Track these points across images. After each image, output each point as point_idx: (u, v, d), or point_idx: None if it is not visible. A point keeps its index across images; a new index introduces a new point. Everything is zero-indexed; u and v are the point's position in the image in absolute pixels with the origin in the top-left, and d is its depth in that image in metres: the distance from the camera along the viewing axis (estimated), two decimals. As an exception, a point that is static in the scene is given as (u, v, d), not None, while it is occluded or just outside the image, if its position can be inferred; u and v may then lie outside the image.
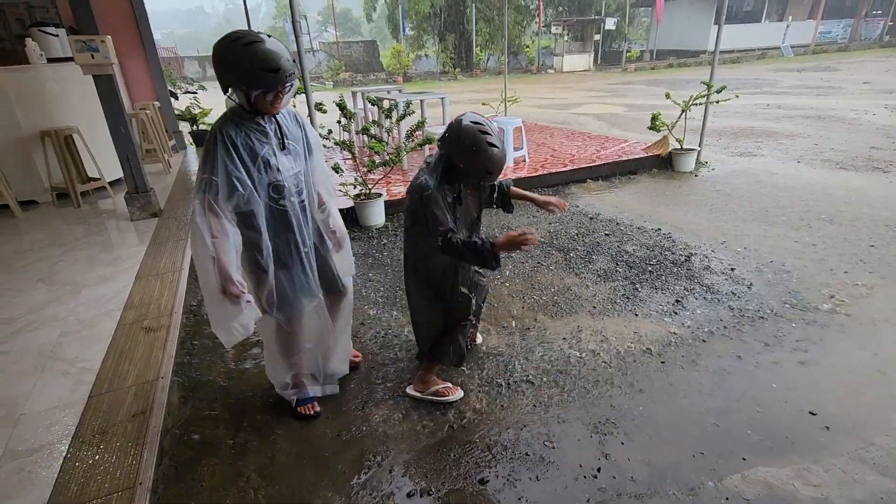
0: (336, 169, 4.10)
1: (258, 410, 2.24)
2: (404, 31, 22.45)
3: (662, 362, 2.47)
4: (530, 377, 2.40)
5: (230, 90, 1.68)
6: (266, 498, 1.80)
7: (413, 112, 4.35)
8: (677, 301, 3.01)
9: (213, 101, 9.96)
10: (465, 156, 1.84)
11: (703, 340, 2.63)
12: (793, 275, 3.27)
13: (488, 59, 24.90)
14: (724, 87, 5.40)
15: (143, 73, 7.29)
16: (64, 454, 1.94)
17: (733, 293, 3.08)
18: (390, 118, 4.39)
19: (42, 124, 4.92)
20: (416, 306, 2.18)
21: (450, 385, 2.29)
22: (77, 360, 2.55)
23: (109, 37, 4.06)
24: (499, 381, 2.38)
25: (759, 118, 8.77)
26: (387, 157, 4.18)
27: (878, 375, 2.33)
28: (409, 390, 2.30)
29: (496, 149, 1.83)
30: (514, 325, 2.85)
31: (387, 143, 4.42)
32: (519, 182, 5.20)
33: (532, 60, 23.79)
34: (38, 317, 2.98)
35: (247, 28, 5.09)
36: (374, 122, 4.51)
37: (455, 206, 1.98)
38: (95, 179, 5.31)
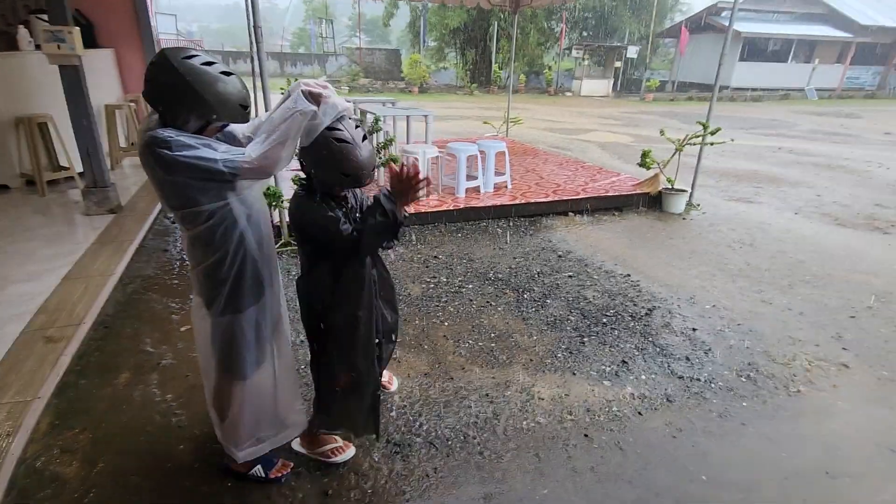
0: (294, 181, 3.94)
1: (121, 451, 2.02)
2: (425, 42, 22.49)
3: (586, 435, 2.22)
4: (435, 438, 2.16)
5: (176, 114, 1.44)
6: (87, 561, 1.59)
7: (380, 129, 4.16)
8: (623, 362, 2.76)
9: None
10: (315, 161, 1.61)
11: (639, 413, 2.37)
12: (758, 343, 2.99)
13: (508, 77, 24.83)
14: (718, 129, 5.14)
15: (139, 64, 7.24)
16: None
17: (687, 358, 2.81)
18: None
19: (18, 110, 4.84)
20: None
21: (340, 444, 2.05)
22: (-41, 368, 2.38)
23: (78, 29, 3.98)
24: (399, 439, 2.15)
25: (767, 161, 8.45)
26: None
27: (824, 478, 2.05)
28: (295, 445, 2.07)
29: (347, 145, 1.56)
30: (438, 371, 2.62)
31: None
32: (497, 209, 4.98)
33: (550, 82, 23.62)
34: (-56, 314, 2.83)
35: (251, 22, 4.78)
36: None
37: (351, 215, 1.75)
38: (66, 169, 5.21)
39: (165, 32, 30.85)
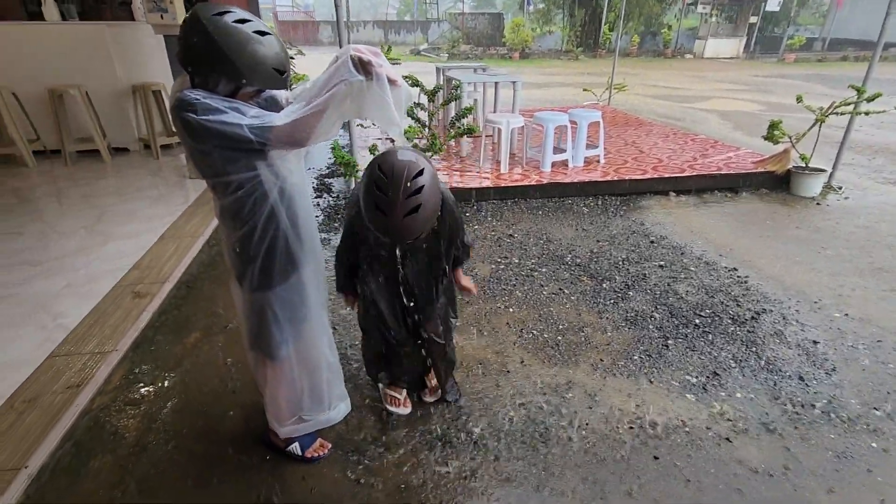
0: (372, 150, 3.87)
1: (178, 410, 2.11)
2: (529, 3, 21.33)
3: (655, 458, 1.90)
4: (480, 437, 1.98)
5: (205, 76, 1.33)
6: (128, 517, 1.66)
7: (460, 97, 3.92)
8: (715, 374, 2.34)
9: (308, 67, 10.16)
10: (362, 204, 1.51)
11: (728, 439, 1.99)
12: (903, 367, 2.38)
13: (619, 39, 22.86)
14: (878, 95, 4.16)
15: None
16: (-12, 416, 1.99)
17: (801, 378, 2.31)
18: (433, 101, 4.00)
19: (135, 79, 5.32)
20: None
21: (402, 398, 2.08)
22: (60, 315, 2.65)
23: (180, -2, 4.17)
24: (440, 432, 2.00)
25: (942, 136, 6.84)
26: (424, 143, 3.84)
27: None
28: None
29: (379, 213, 1.43)
30: (494, 362, 2.41)
31: (425, 128, 4.05)
32: (585, 186, 4.55)
33: (668, 43, 21.28)
34: (59, 264, 3.18)
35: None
36: (416, 104, 4.13)
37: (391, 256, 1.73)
38: (177, 134, 5.67)
39: (282, 5, 32.84)
